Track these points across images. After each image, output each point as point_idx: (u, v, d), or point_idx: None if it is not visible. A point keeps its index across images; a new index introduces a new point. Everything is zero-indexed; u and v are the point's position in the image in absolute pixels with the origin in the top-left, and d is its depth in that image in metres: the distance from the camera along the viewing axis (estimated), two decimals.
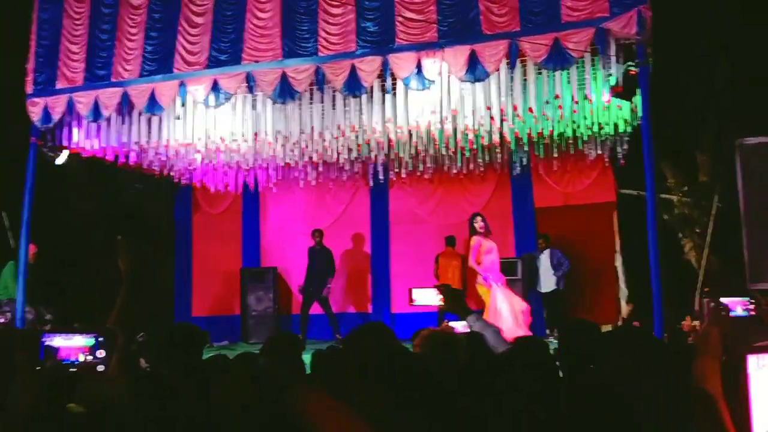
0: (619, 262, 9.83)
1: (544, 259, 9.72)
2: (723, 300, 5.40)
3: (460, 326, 5.26)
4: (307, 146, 8.69)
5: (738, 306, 5.39)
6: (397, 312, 10.32)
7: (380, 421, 1.98)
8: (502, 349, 3.11)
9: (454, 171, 9.53)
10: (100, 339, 4.13)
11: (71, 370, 3.98)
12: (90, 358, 4.10)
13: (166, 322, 10.48)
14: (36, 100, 8.08)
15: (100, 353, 4.06)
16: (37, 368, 3.50)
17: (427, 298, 7.36)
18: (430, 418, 2.08)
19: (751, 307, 5.35)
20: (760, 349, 2.37)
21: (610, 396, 1.85)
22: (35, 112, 8.05)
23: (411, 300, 7.48)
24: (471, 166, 9.39)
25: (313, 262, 10.07)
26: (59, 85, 8.00)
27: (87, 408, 2.25)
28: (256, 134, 8.18)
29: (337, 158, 9.03)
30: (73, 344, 4.21)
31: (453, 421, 2.12)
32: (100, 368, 3.89)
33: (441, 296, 3.31)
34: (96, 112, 7.80)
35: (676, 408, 1.82)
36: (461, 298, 3.33)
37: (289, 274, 10.89)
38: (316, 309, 9.89)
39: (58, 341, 4.20)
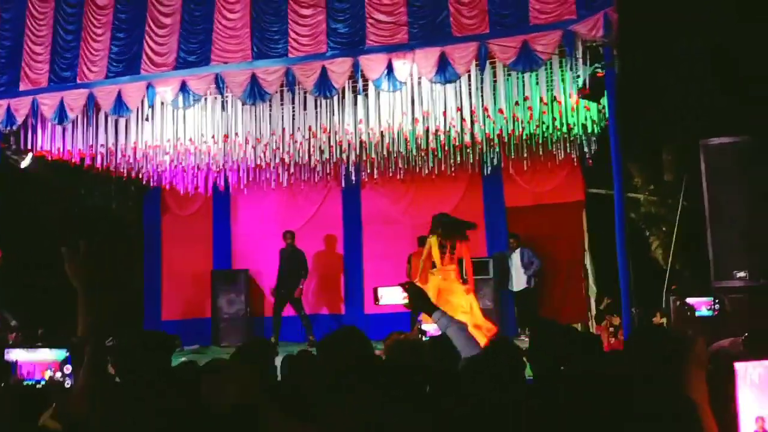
0: (588, 260, 9.98)
1: (516, 258, 9.81)
2: (688, 300, 5.51)
3: (432, 328, 5.29)
4: (278, 147, 8.64)
5: (703, 306, 5.51)
6: (371, 313, 10.31)
7: (369, 417, 1.99)
8: (466, 346, 3.14)
9: (426, 171, 9.56)
10: (67, 354, 3.66)
11: (37, 387, 3.60)
12: (59, 375, 3.64)
13: (135, 326, 10.33)
14: None
15: (67, 368, 3.62)
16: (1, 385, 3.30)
17: (393, 296, 7.35)
18: (420, 411, 2.10)
19: (716, 306, 5.47)
20: (747, 356, 2.38)
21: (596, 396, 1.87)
22: None
23: (376, 299, 7.47)
24: (443, 166, 9.42)
25: (285, 263, 10.01)
26: (23, 87, 7.82)
27: (62, 424, 2.20)
28: (226, 136, 8.11)
29: (309, 159, 9.00)
30: (37, 359, 3.70)
31: (440, 416, 2.14)
32: (68, 384, 3.58)
33: (405, 294, 3.31)
34: (61, 114, 7.65)
35: (663, 413, 1.85)
36: (426, 296, 3.33)
37: (261, 277, 10.80)
38: (288, 311, 9.84)
39: (17, 355, 3.66)
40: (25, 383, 3.61)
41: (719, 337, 3.74)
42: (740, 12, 7.66)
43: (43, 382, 3.61)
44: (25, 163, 8.27)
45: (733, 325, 4.67)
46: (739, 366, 2.79)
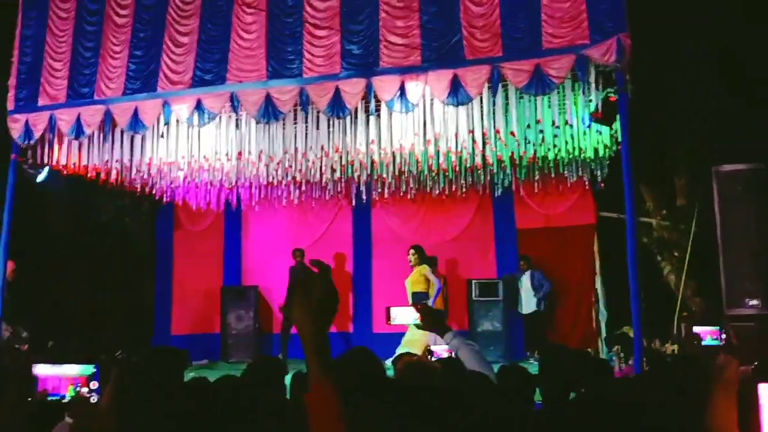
0: (599, 284, 9.91)
1: (525, 281, 9.78)
2: (695, 329, 5.46)
3: (441, 349, 5.29)
4: (290, 166, 8.70)
5: (708, 335, 5.45)
6: (379, 332, 10.30)
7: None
8: (479, 367, 3.14)
9: (437, 192, 9.58)
10: (96, 370, 3.58)
11: (63, 401, 3.51)
12: (86, 390, 3.57)
13: (145, 340, 10.38)
14: (17, 116, 8.01)
15: (94, 384, 3.57)
16: (28, 399, 3.27)
17: (406, 316, 7.38)
18: (426, 424, 2.10)
19: (723, 336, 5.41)
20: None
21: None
22: (16, 129, 7.98)
23: (389, 319, 7.50)
24: (453, 187, 9.44)
25: (294, 281, 10.04)
26: (41, 102, 7.95)
27: None
28: (239, 153, 8.18)
29: (320, 178, 9.05)
30: (63, 373, 3.61)
31: (446, 430, 2.14)
32: (93, 399, 3.49)
33: (418, 315, 3.34)
34: (78, 130, 7.75)
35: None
36: (439, 317, 3.35)
37: (271, 293, 10.83)
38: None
39: (43, 369, 3.58)
40: (50, 398, 3.54)
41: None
42: (747, 14, 7.65)
43: (68, 397, 3.53)
44: (41, 177, 8.35)
45: (740, 354, 4.62)
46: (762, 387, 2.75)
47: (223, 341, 10.42)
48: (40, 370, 3.60)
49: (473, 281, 9.97)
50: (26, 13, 8.26)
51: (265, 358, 3.76)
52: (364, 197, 9.78)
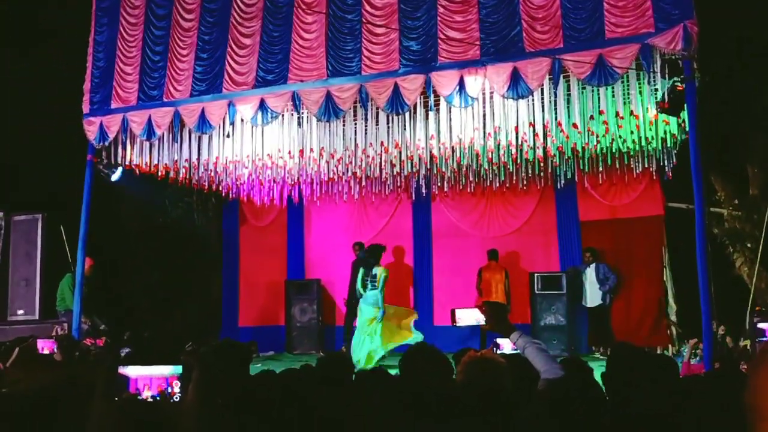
0: (668, 277, 9.63)
1: (590, 273, 9.58)
2: (760, 325, 5.24)
3: (506, 343, 5.28)
4: (350, 162, 8.81)
5: None
6: (439, 325, 10.33)
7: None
8: (546, 365, 3.13)
9: (497, 185, 9.50)
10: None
11: (149, 400, 3.60)
12: (176, 389, 3.62)
13: (214, 332, 10.76)
14: (92, 119, 8.43)
15: (176, 384, 3.63)
16: (116, 399, 3.44)
17: (470, 318, 7.44)
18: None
19: None
20: None
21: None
22: (91, 131, 8.40)
23: (454, 320, 7.59)
24: (514, 179, 9.33)
25: (356, 274, 10.17)
26: (114, 105, 8.33)
27: None
28: (301, 151, 8.35)
29: (380, 173, 9.12)
30: (152, 373, 3.68)
31: None
32: (177, 399, 3.57)
33: (483, 315, 3.34)
34: (149, 131, 8.09)
35: None
36: (505, 317, 3.34)
37: (333, 286, 11.02)
38: None
39: (132, 370, 3.68)
40: (138, 398, 3.63)
41: None
42: None
43: (155, 396, 3.63)
44: (115, 177, 8.74)
45: None
46: None
47: (287, 333, 10.68)
48: (131, 370, 3.71)
49: (536, 274, 9.85)
50: (98, 20, 8.66)
51: (333, 356, 3.83)
52: (423, 191, 9.80)
